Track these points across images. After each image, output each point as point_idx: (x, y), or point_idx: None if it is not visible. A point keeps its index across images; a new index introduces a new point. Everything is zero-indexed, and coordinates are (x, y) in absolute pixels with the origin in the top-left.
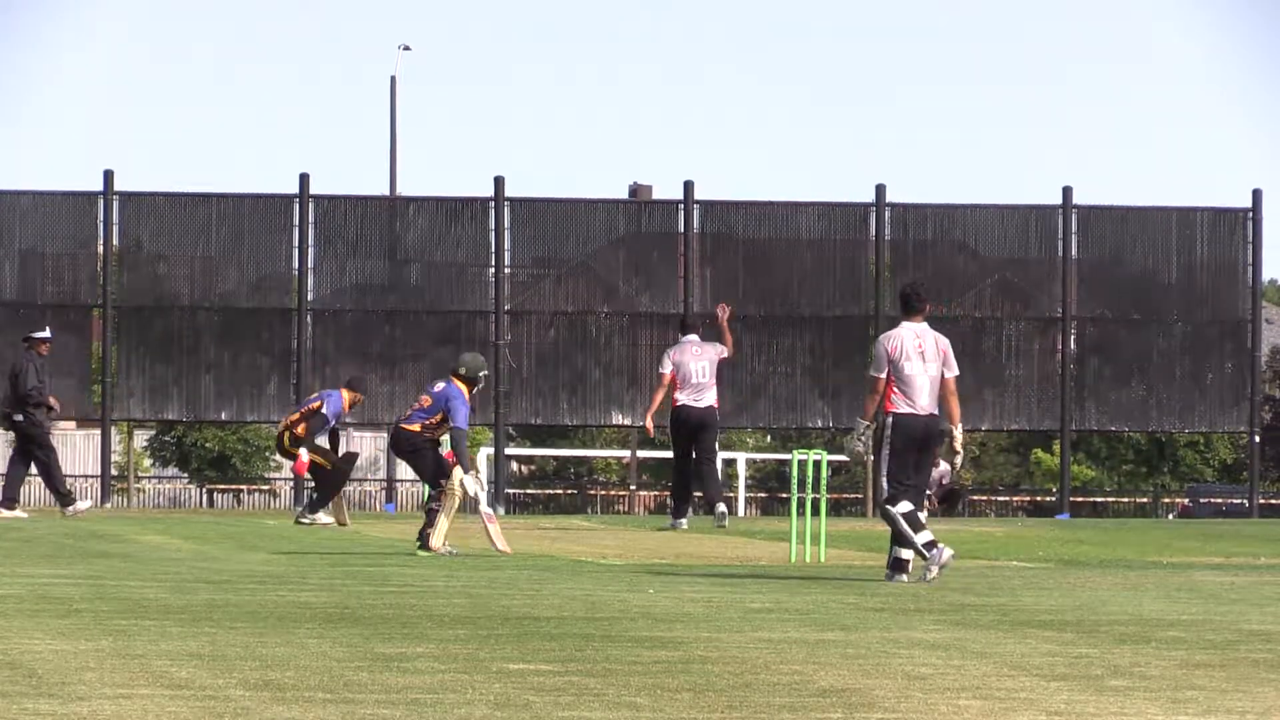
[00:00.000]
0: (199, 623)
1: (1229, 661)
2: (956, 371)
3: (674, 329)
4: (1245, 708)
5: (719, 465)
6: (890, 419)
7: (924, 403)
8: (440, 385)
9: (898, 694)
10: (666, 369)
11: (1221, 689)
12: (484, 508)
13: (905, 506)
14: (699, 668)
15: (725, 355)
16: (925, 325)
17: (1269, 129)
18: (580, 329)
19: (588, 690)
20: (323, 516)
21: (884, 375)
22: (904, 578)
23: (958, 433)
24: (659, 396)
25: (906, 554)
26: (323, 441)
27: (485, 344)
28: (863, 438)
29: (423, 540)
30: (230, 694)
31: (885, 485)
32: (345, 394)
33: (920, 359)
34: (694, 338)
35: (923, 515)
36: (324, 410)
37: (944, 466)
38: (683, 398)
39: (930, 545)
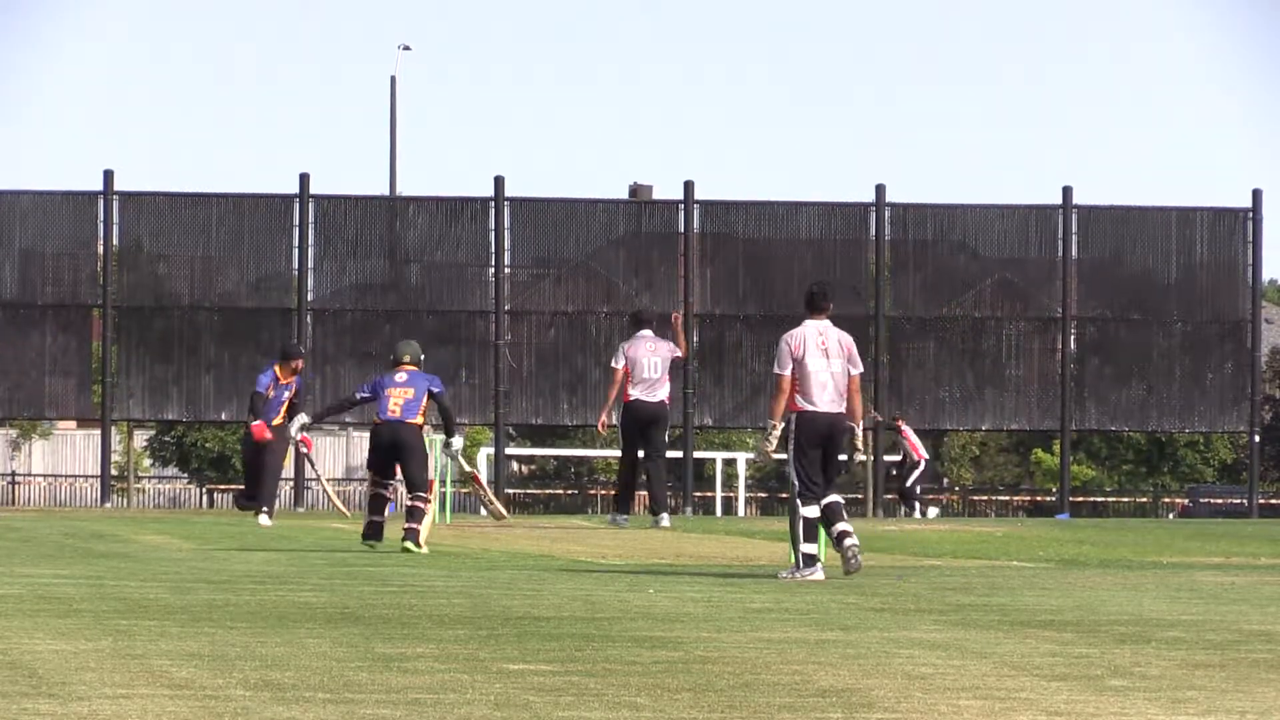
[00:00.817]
0: (199, 623)
1: (1229, 661)
2: (861, 369)
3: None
4: (1245, 708)
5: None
6: (794, 417)
7: (827, 399)
8: (404, 374)
9: (898, 694)
10: (619, 364)
11: (1221, 689)
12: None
13: (813, 512)
14: (699, 668)
15: (678, 355)
16: (828, 323)
17: (1269, 129)
18: (580, 329)
19: (588, 690)
20: (264, 519)
21: (788, 373)
22: (818, 573)
23: (859, 430)
24: (613, 393)
25: (811, 548)
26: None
27: (485, 344)
28: (771, 438)
29: (413, 538)
30: (230, 694)
31: (795, 482)
32: (277, 368)
33: (824, 356)
34: (648, 333)
35: (843, 525)
36: (255, 388)
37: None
38: (636, 392)
39: (810, 560)
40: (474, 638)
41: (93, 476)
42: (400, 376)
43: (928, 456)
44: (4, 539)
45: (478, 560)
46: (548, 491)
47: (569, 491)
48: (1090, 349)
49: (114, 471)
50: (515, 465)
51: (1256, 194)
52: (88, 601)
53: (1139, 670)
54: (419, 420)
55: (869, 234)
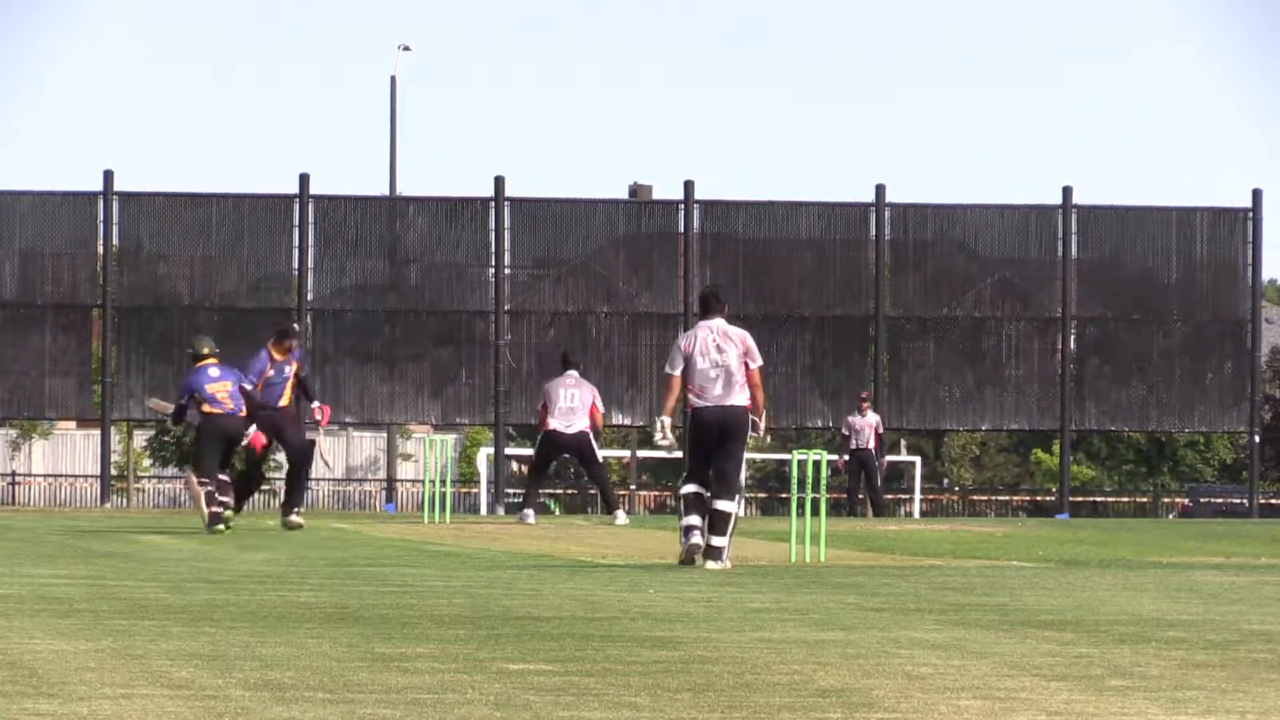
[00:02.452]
0: (199, 623)
1: (1229, 661)
2: (760, 362)
3: (674, 328)
4: (1245, 708)
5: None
6: (690, 412)
7: (716, 394)
8: (217, 369)
9: (898, 694)
10: (676, 369)
11: (1221, 689)
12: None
13: (690, 488)
14: (699, 668)
15: (597, 404)
16: (722, 321)
17: (1269, 129)
18: (580, 329)
19: (588, 690)
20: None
21: (677, 372)
22: (713, 564)
23: (761, 422)
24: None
25: (720, 541)
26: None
27: (485, 344)
28: (662, 432)
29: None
30: (230, 694)
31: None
32: (271, 347)
33: (716, 352)
34: (573, 374)
35: (728, 505)
36: (249, 377)
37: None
38: (554, 423)
39: (687, 530)
40: (474, 638)
41: (93, 476)
42: (214, 371)
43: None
44: (4, 539)
45: (478, 560)
46: (548, 491)
47: (569, 491)
48: (1090, 349)
49: (114, 471)
50: (515, 465)
51: (1256, 194)
52: (88, 601)
53: (1139, 670)
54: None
55: (869, 234)
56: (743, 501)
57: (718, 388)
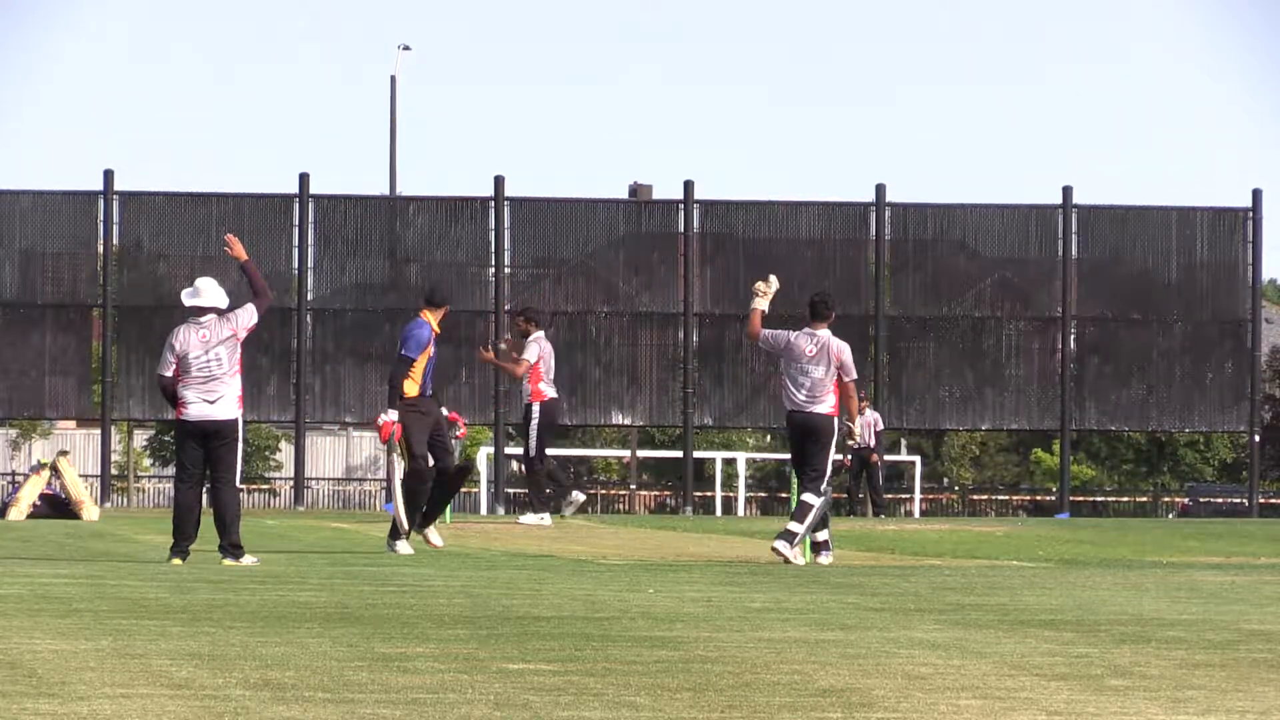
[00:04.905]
0: (199, 623)
1: (1229, 661)
2: (853, 375)
3: (674, 328)
4: (1245, 708)
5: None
6: (786, 413)
7: (801, 399)
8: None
9: (898, 694)
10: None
11: (1221, 689)
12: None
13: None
14: (699, 668)
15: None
16: (827, 331)
17: (1269, 129)
18: (580, 329)
19: (588, 690)
20: (402, 545)
21: (766, 332)
22: (780, 543)
23: (855, 427)
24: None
25: (795, 526)
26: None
27: (485, 344)
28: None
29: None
30: (230, 694)
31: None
32: (427, 315)
33: (808, 361)
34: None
35: (810, 498)
36: (404, 352)
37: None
38: (550, 390)
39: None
40: (474, 638)
41: (93, 476)
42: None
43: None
44: (4, 539)
45: (478, 560)
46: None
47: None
48: (1090, 349)
49: (114, 471)
50: (515, 465)
51: (1256, 194)
52: (88, 601)
53: (1139, 670)
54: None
55: (869, 234)
56: (829, 498)
57: (803, 394)
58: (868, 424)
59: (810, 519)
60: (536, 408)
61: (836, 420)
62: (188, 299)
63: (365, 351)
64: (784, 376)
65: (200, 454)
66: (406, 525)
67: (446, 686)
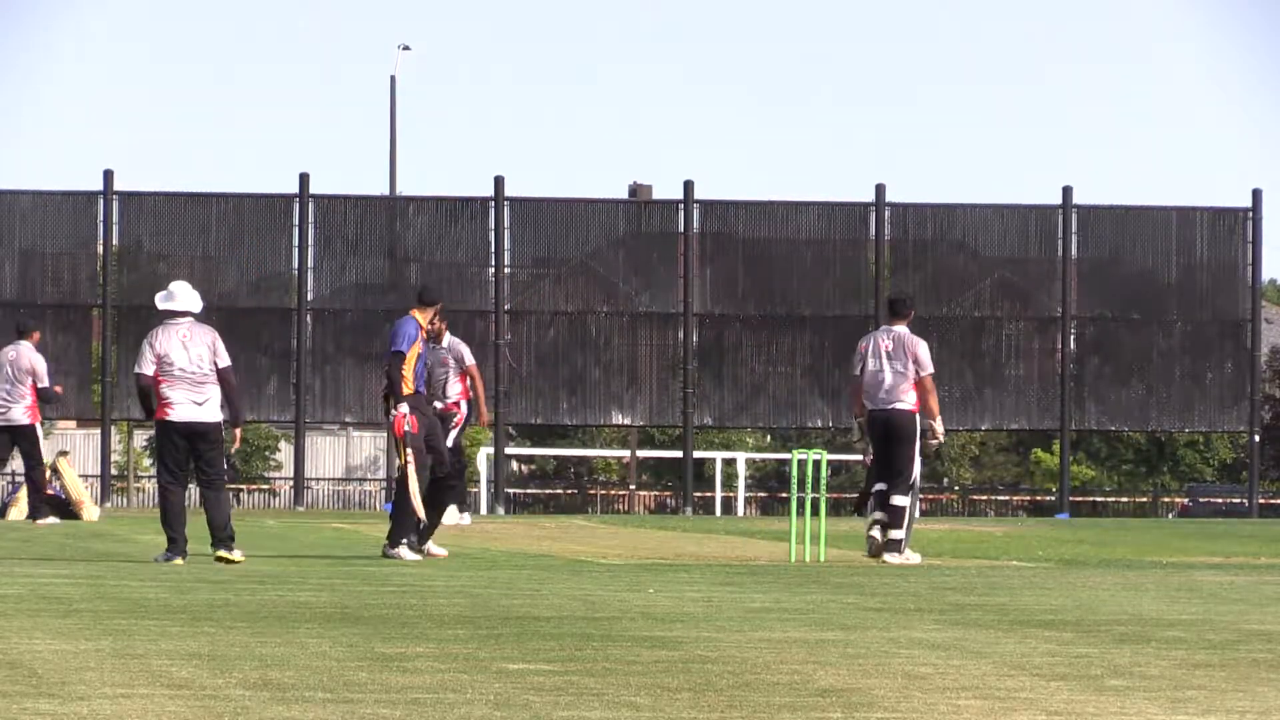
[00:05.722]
0: (199, 623)
1: (1229, 661)
2: (929, 370)
3: (674, 328)
4: (1245, 708)
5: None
6: (867, 413)
7: (880, 397)
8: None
9: (898, 694)
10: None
11: (1221, 689)
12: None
13: (877, 486)
14: (699, 668)
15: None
16: (904, 328)
17: (1269, 129)
18: (580, 329)
19: (588, 690)
20: (405, 552)
21: (857, 371)
22: (890, 556)
23: (937, 425)
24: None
25: (896, 534)
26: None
27: (485, 344)
28: (857, 434)
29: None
30: (230, 694)
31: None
32: (417, 313)
33: (886, 358)
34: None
35: (900, 500)
36: (395, 348)
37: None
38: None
39: (870, 525)
40: (474, 638)
41: (93, 476)
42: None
43: None
44: (4, 539)
45: (478, 560)
46: (548, 491)
47: (569, 491)
48: (1090, 349)
49: (114, 471)
50: (515, 465)
51: (1256, 194)
52: (88, 601)
53: (1139, 670)
54: None
55: (869, 234)
56: (916, 497)
57: (881, 391)
58: None
59: (907, 520)
60: (465, 405)
61: (918, 417)
62: (161, 303)
63: (365, 352)
64: (861, 378)
65: (185, 455)
66: (423, 515)
67: (446, 686)
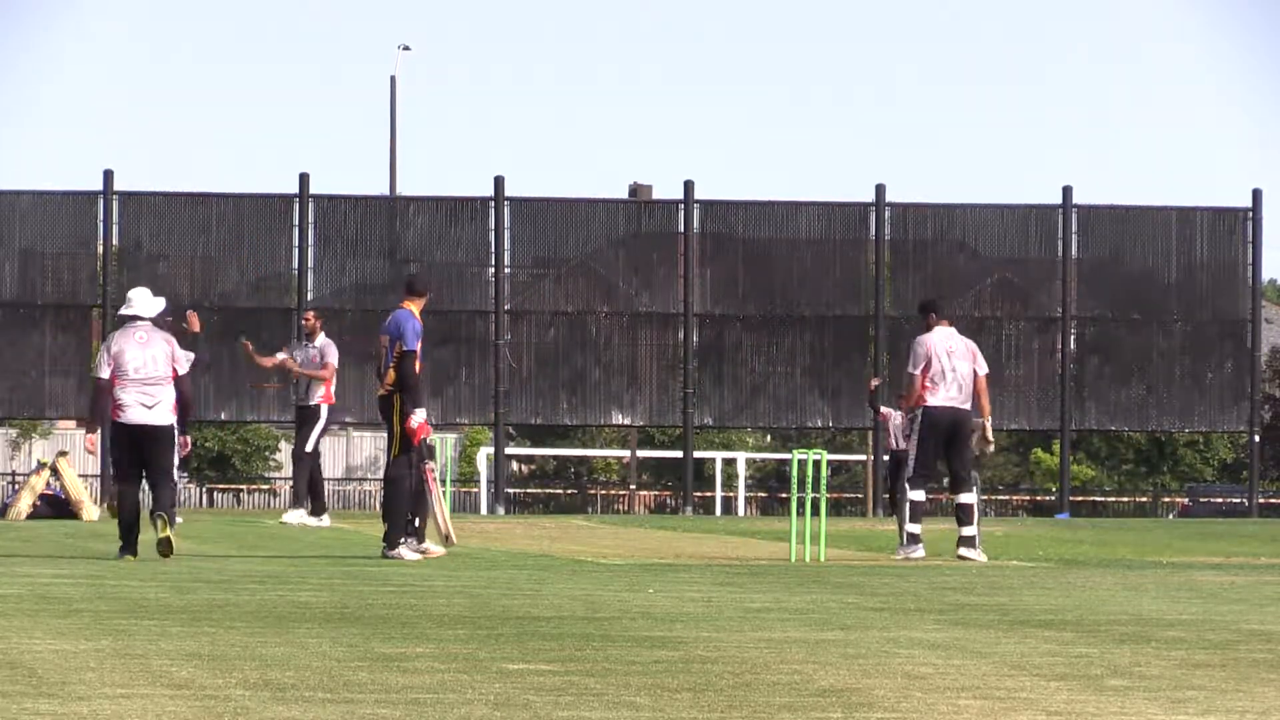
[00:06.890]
0: (199, 623)
1: (1229, 661)
2: (986, 369)
3: (674, 328)
4: (1245, 708)
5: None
6: (924, 410)
7: (951, 395)
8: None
9: (898, 694)
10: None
11: (1221, 689)
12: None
13: (917, 494)
14: (699, 668)
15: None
16: (953, 329)
17: (1269, 129)
18: (580, 329)
19: (588, 690)
20: (405, 552)
21: (918, 371)
22: (967, 551)
23: (987, 423)
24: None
25: (969, 530)
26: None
27: (485, 344)
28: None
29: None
30: (230, 694)
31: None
32: (410, 304)
33: (956, 358)
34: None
35: (969, 497)
36: (407, 346)
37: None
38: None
39: (913, 538)
40: (474, 638)
41: (93, 476)
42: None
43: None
44: (4, 539)
45: (478, 560)
46: (548, 491)
47: (569, 491)
48: (1090, 349)
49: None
50: (515, 465)
51: (1256, 194)
52: (88, 601)
53: (1139, 670)
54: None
55: (869, 234)
56: (978, 493)
57: (954, 389)
58: (899, 425)
59: (976, 516)
60: (325, 409)
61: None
62: (121, 310)
63: (365, 352)
64: (927, 375)
65: (136, 455)
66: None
67: (446, 686)
